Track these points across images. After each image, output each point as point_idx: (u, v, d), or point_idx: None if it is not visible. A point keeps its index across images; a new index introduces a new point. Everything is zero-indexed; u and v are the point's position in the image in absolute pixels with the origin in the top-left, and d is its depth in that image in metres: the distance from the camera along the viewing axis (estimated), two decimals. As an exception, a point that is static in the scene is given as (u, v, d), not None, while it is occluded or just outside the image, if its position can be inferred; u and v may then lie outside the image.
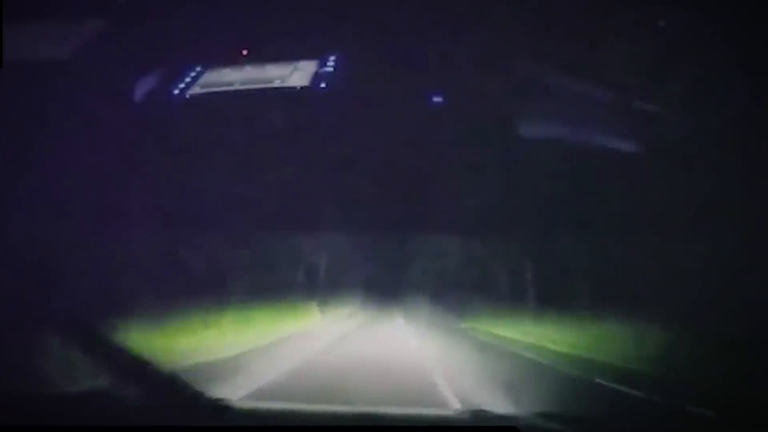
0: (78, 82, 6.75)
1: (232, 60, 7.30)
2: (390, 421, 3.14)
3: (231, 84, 7.13)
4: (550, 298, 16.91)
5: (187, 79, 7.24)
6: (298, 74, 7.08)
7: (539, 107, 7.20)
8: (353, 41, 7.09)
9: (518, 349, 14.69)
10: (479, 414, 3.09)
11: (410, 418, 3.41)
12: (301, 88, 6.99)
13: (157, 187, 7.93)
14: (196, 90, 7.18)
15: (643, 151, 7.29)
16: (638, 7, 6.54)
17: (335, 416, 3.22)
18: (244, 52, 7.35)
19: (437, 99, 7.15)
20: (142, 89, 7.31)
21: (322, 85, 6.97)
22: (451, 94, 7.13)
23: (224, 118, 7.35)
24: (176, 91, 7.20)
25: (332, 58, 7.08)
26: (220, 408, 3.16)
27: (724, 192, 7.40)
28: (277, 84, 7.05)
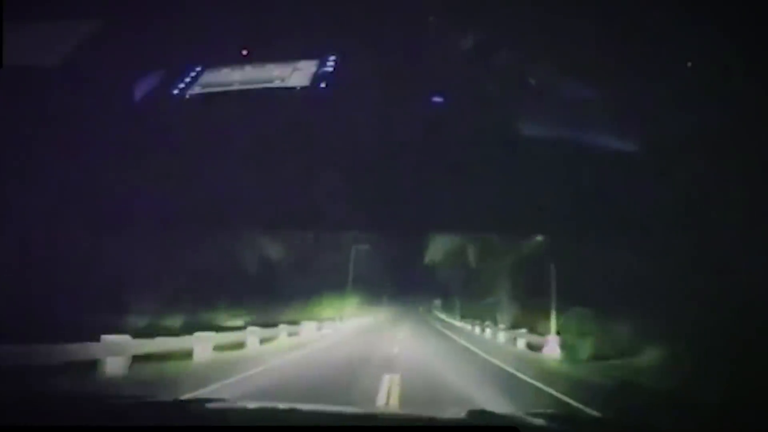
0: (78, 82, 6.75)
1: (232, 60, 7.30)
2: (390, 421, 3.15)
3: (231, 84, 7.13)
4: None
5: (187, 79, 7.23)
6: (298, 74, 7.07)
7: (540, 108, 7.20)
8: (353, 41, 7.08)
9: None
10: (479, 414, 3.09)
11: (410, 418, 3.41)
12: (301, 88, 6.98)
13: (157, 187, 7.92)
14: (196, 90, 7.18)
15: (643, 151, 7.29)
16: (637, 6, 6.53)
17: (335, 416, 3.22)
18: (244, 52, 7.35)
19: (437, 99, 7.15)
20: (142, 89, 7.31)
21: (322, 85, 6.96)
22: (452, 95, 7.12)
23: (224, 118, 7.35)
24: (176, 91, 7.20)
25: (332, 58, 7.08)
26: (220, 408, 3.16)
27: (725, 193, 7.41)
28: (277, 84, 7.04)
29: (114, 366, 9.35)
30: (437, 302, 34.63)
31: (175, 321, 14.35)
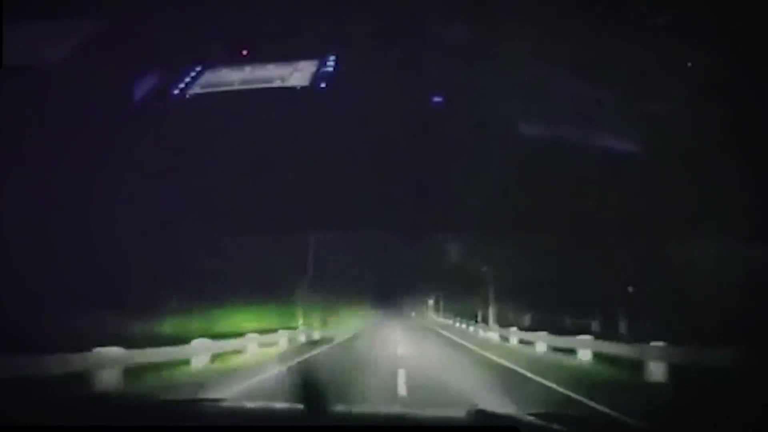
0: (78, 82, 6.75)
1: (232, 60, 7.30)
2: (389, 421, 3.14)
3: (231, 84, 7.13)
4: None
5: (187, 79, 7.23)
6: (298, 74, 7.07)
7: (541, 108, 7.20)
8: (353, 41, 7.08)
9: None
10: (479, 414, 3.08)
11: (409, 417, 3.40)
12: (301, 88, 6.99)
13: (157, 187, 7.92)
14: (196, 90, 7.18)
15: (644, 152, 7.28)
16: (637, 6, 6.54)
17: (335, 416, 3.21)
18: (244, 52, 7.35)
19: (437, 100, 7.14)
20: (142, 89, 7.31)
21: (322, 85, 6.97)
22: (452, 95, 7.12)
23: (224, 118, 7.35)
24: (176, 91, 7.20)
25: (332, 58, 7.08)
26: (220, 408, 3.16)
27: (726, 193, 7.40)
28: (277, 84, 7.05)
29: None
30: (430, 303, 34.09)
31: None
